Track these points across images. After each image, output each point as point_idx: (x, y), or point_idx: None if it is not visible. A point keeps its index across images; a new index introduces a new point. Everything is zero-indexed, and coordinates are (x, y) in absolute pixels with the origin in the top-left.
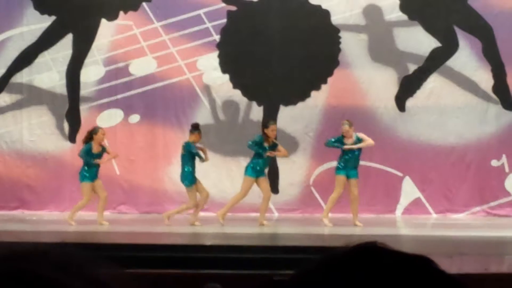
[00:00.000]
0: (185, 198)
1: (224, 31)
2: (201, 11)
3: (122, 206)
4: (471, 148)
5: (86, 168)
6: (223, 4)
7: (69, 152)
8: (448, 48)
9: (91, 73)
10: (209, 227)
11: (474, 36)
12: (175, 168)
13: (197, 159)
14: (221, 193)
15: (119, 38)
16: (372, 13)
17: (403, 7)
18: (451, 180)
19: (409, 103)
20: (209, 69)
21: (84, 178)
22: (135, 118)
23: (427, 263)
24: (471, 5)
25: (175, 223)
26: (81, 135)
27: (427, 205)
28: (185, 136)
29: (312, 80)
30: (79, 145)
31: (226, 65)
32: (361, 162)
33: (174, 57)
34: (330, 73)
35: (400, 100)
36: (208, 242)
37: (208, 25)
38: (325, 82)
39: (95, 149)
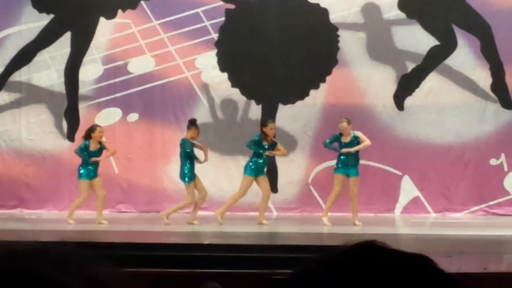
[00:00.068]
0: (183, 197)
1: (223, 30)
2: (199, 10)
3: (120, 205)
4: (469, 146)
5: (83, 165)
6: (222, 3)
7: (68, 150)
8: (446, 46)
9: (90, 72)
10: (208, 226)
11: (472, 35)
12: (174, 167)
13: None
14: (219, 192)
15: (118, 36)
16: (371, 11)
17: (402, 6)
18: (450, 179)
19: (408, 101)
20: (207, 67)
21: (81, 175)
22: (133, 116)
23: (426, 262)
24: (469, 4)
25: (174, 222)
26: (79, 134)
27: (426, 204)
28: (184, 134)
29: (311, 78)
30: (77, 143)
31: (224, 64)
32: (360, 161)
33: (172, 56)
34: (328, 72)
35: (399, 99)
36: (207, 241)
37: (207, 23)
38: (323, 81)
39: (93, 147)
